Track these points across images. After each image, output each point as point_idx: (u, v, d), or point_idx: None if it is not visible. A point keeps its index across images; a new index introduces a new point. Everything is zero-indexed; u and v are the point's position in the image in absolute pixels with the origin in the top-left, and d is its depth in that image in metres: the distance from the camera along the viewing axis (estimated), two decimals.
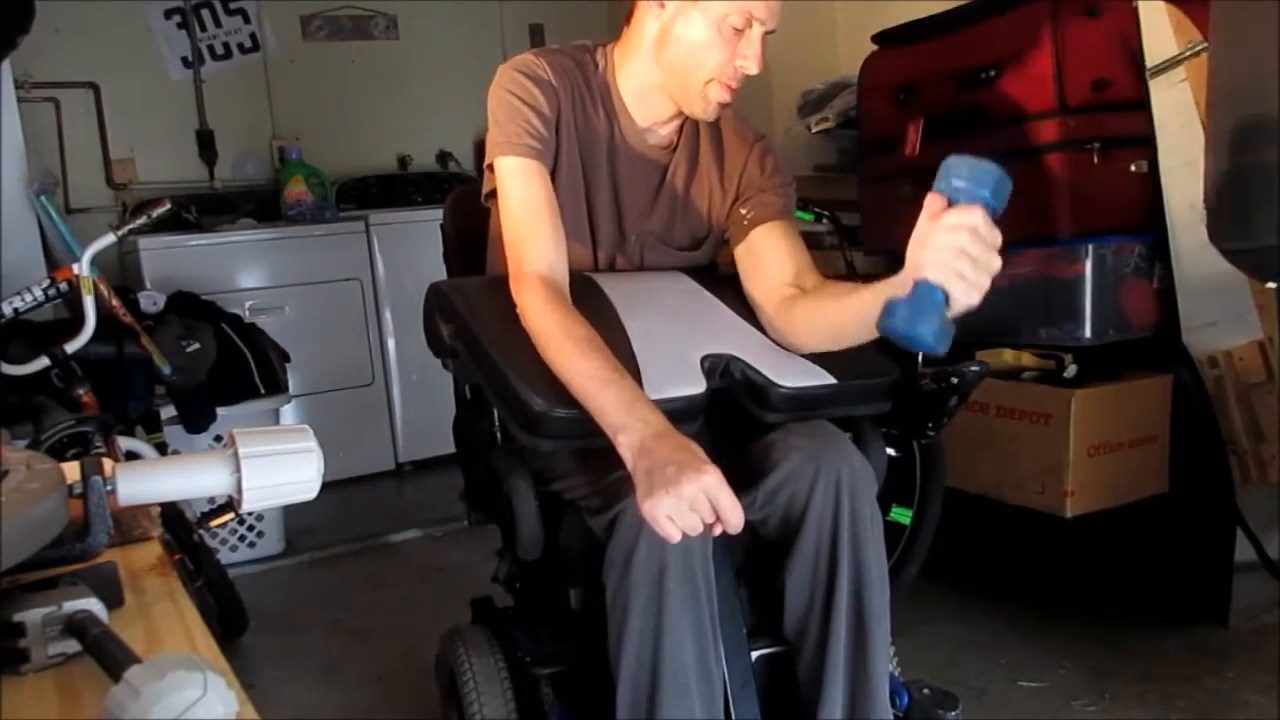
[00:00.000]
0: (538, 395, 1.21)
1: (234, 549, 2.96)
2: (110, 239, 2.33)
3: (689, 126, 1.48)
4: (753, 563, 1.35)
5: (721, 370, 1.31)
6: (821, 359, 1.34)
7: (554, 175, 1.40)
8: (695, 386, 1.26)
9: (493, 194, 1.43)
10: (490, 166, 1.41)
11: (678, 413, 1.20)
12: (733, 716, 1.26)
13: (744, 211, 1.48)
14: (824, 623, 1.27)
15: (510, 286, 1.33)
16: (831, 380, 1.32)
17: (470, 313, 1.36)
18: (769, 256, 1.44)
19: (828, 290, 1.35)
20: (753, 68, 1.35)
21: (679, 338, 1.34)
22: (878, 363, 1.37)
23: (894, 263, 2.70)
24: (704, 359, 1.30)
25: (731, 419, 1.33)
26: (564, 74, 1.42)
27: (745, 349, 1.34)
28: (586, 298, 1.35)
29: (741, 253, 1.47)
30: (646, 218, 1.49)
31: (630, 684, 1.20)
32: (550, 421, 1.21)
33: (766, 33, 1.34)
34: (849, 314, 1.24)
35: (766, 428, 1.32)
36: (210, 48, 4.00)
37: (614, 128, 1.45)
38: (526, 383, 1.22)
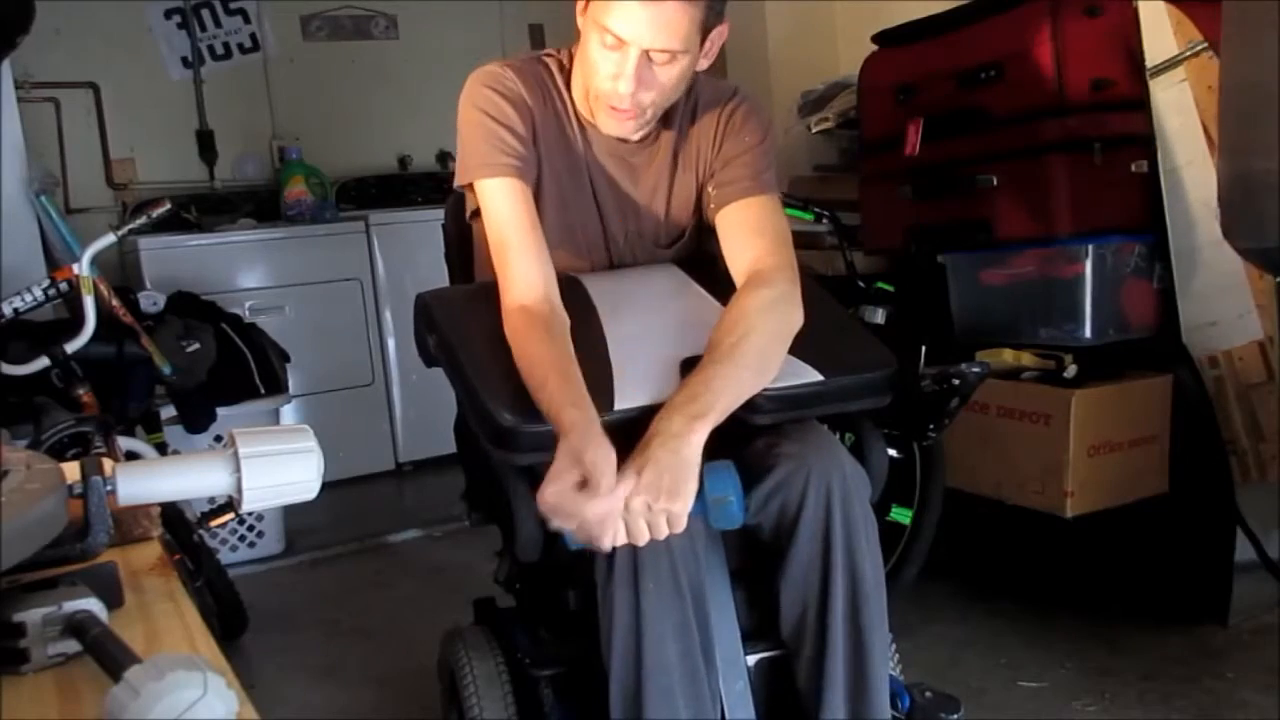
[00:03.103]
0: (506, 411, 1.21)
1: (234, 549, 2.96)
2: (110, 239, 2.33)
3: (666, 118, 1.44)
4: (750, 565, 1.34)
5: None
6: (812, 355, 1.31)
7: (537, 189, 1.39)
8: (670, 392, 1.22)
9: (477, 212, 1.43)
10: (470, 187, 1.40)
11: (651, 419, 1.19)
12: (727, 718, 1.26)
13: (712, 192, 1.45)
14: (820, 629, 1.26)
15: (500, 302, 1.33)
16: (818, 378, 1.29)
17: (449, 326, 1.36)
18: (729, 243, 1.41)
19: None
20: (621, 86, 1.28)
21: (661, 340, 1.32)
22: (871, 357, 1.35)
23: (893, 262, 2.72)
24: (685, 361, 1.27)
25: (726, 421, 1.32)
26: (535, 85, 1.41)
27: None
28: (571, 301, 1.35)
29: (719, 237, 1.45)
30: (629, 219, 1.48)
31: (619, 683, 1.21)
32: (520, 436, 1.21)
33: (658, 50, 1.26)
34: None
35: (759, 430, 1.31)
36: (210, 48, 4.00)
37: (584, 135, 1.43)
38: (496, 398, 1.22)
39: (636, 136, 1.42)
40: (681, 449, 1.14)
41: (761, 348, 1.25)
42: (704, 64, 1.37)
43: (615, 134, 1.40)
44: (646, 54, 1.27)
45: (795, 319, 1.31)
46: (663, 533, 1.14)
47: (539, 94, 1.41)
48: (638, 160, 1.46)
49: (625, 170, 1.46)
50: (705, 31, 1.31)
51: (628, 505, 1.12)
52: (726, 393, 1.20)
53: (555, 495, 1.12)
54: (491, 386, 1.24)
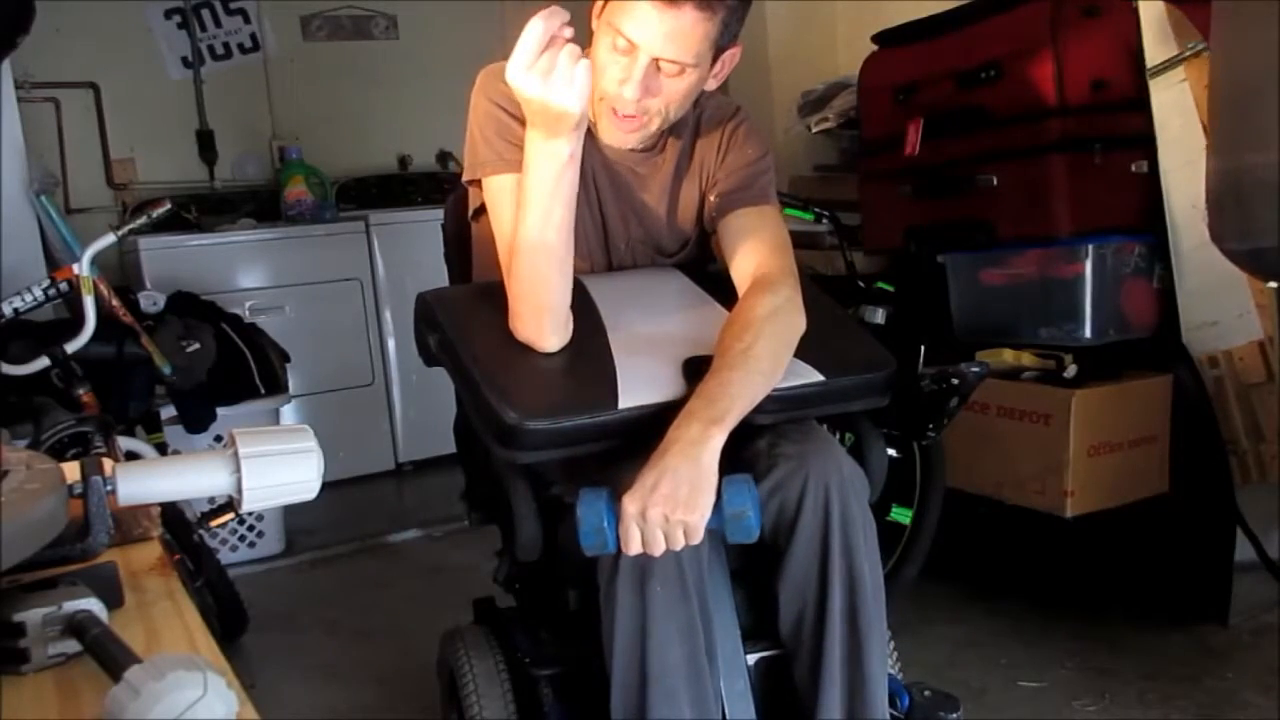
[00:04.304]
0: (510, 408, 1.20)
1: (234, 549, 2.96)
2: (110, 239, 2.33)
3: (674, 128, 1.44)
4: (750, 565, 1.34)
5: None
6: (813, 356, 1.31)
7: None
8: (675, 391, 1.23)
9: (480, 209, 1.42)
10: (476, 183, 1.40)
11: (655, 418, 1.19)
12: (728, 718, 1.26)
13: (714, 200, 1.45)
14: (817, 629, 1.26)
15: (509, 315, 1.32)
16: (819, 378, 1.29)
17: (451, 324, 1.36)
18: (731, 249, 1.41)
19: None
20: (627, 91, 1.28)
21: (664, 341, 1.32)
22: (872, 357, 1.35)
23: (893, 262, 2.72)
24: (687, 362, 1.27)
25: None
26: None
27: None
28: (573, 301, 1.34)
29: (720, 244, 1.45)
30: (631, 226, 1.48)
31: (621, 685, 1.20)
32: (523, 434, 1.20)
33: (668, 61, 1.26)
34: None
35: (758, 431, 1.30)
36: (210, 48, 4.00)
37: (590, 138, 1.41)
38: (500, 396, 1.22)
39: (638, 146, 1.42)
40: (701, 456, 1.13)
41: (772, 352, 1.25)
42: (713, 84, 1.37)
43: (614, 142, 1.39)
44: (656, 63, 1.27)
45: (799, 324, 1.31)
46: (679, 544, 1.13)
47: None
48: (643, 170, 1.46)
49: (630, 177, 1.46)
50: (718, 50, 1.31)
51: (645, 515, 1.11)
52: (742, 397, 1.20)
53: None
54: (495, 384, 1.23)
